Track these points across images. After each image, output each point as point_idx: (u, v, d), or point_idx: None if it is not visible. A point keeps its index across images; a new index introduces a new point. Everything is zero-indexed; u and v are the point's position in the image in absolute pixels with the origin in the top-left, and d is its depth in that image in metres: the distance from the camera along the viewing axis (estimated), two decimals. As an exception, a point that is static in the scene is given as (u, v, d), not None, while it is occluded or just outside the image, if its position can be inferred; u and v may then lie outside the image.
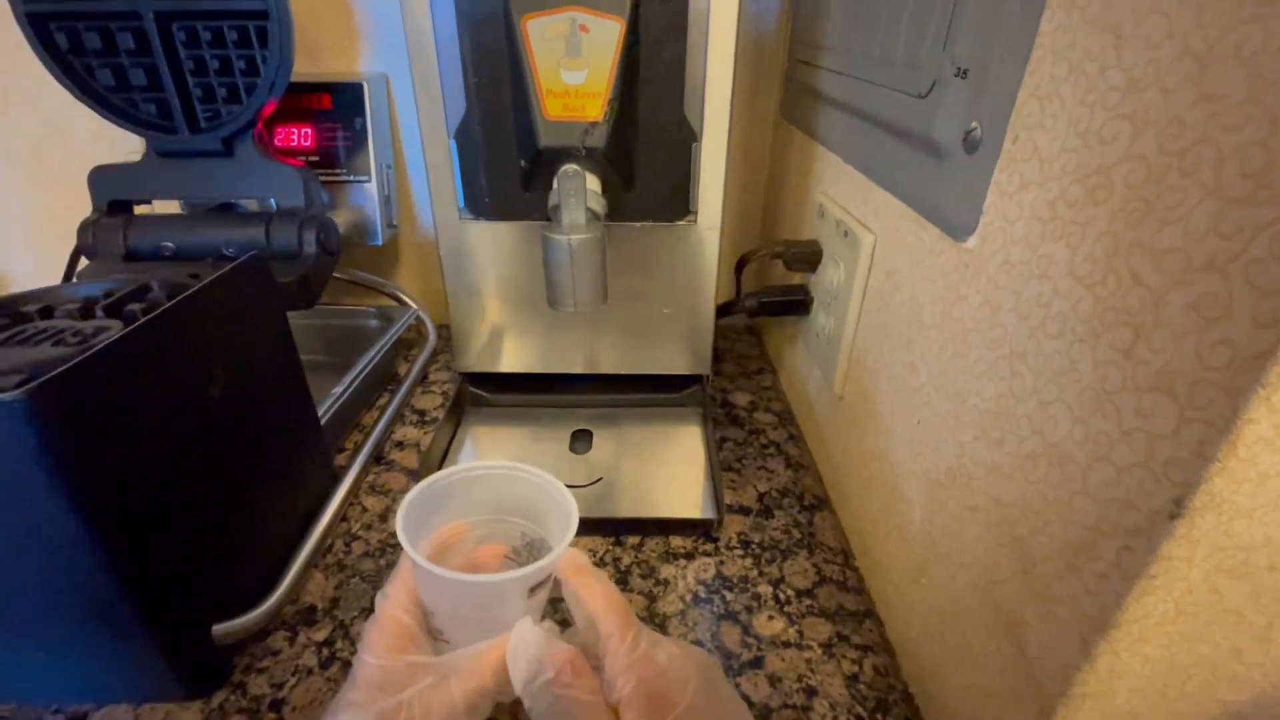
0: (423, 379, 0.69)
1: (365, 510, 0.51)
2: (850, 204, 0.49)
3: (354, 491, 0.52)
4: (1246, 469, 0.19)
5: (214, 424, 0.38)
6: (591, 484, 0.53)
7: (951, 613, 0.34)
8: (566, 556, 0.29)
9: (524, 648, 0.27)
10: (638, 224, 0.52)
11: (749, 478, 0.55)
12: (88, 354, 0.29)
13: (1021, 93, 0.28)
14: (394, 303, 0.75)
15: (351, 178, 0.68)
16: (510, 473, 0.33)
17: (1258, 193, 0.18)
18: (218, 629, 0.38)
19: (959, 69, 0.32)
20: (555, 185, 0.46)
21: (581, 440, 0.58)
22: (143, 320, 0.33)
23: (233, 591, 0.40)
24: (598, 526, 0.49)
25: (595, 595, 0.28)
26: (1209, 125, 0.19)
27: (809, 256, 0.54)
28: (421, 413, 0.64)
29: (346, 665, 0.39)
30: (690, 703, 0.25)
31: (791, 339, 0.67)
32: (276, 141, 0.66)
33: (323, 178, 0.67)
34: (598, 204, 0.47)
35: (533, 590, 0.29)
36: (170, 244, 0.57)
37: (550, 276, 0.46)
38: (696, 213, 0.52)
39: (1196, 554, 0.21)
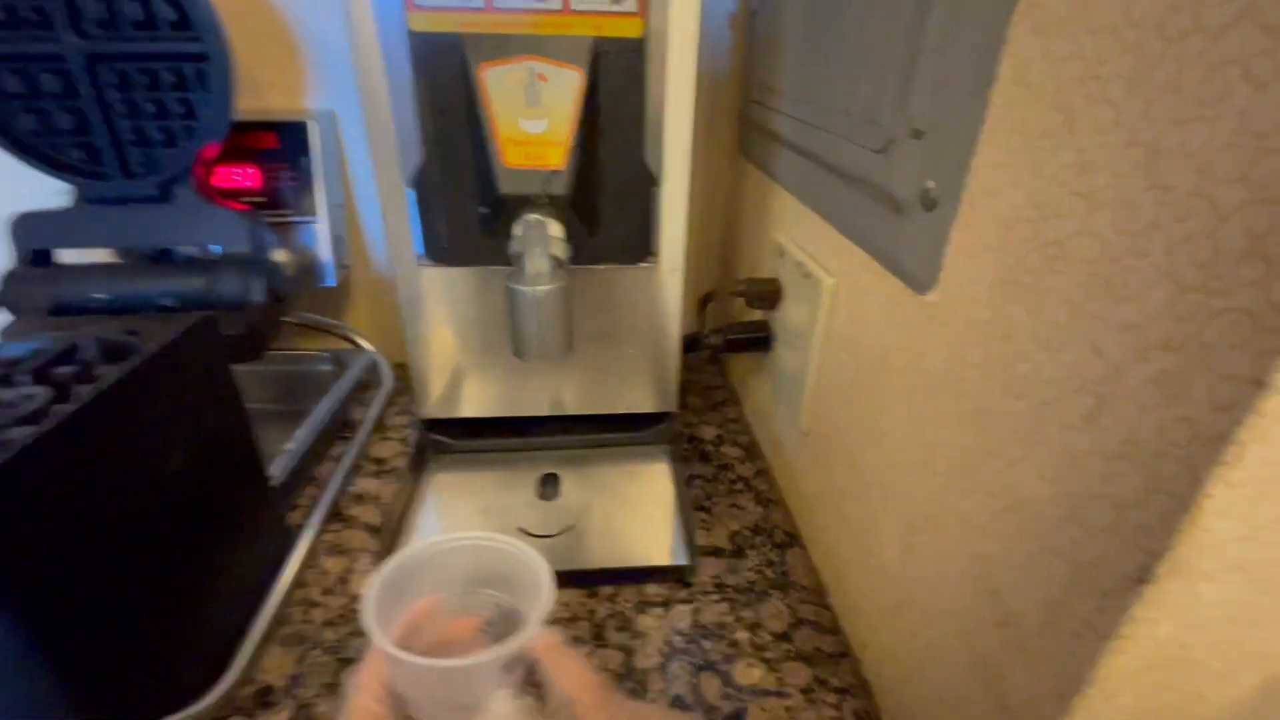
0: (379, 424, 0.67)
1: (324, 573, 0.49)
2: (810, 246, 0.50)
3: (311, 553, 0.50)
4: (1206, 538, 0.20)
5: (158, 498, 0.36)
6: (562, 533, 0.52)
7: (930, 657, 0.35)
8: (541, 637, 0.28)
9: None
10: (600, 267, 0.52)
11: (719, 515, 0.55)
12: (23, 446, 0.27)
13: (976, 160, 0.29)
14: (347, 344, 0.72)
15: (300, 218, 0.65)
16: (481, 543, 0.32)
17: (1209, 283, 0.19)
18: (166, 723, 0.35)
19: (915, 130, 0.34)
20: (517, 233, 0.46)
21: (550, 485, 0.57)
22: (86, 399, 0.31)
23: (183, 675, 0.37)
24: (570, 579, 0.48)
25: (570, 674, 0.28)
26: (1159, 212, 0.20)
27: (770, 294, 0.55)
28: (380, 461, 0.61)
29: (310, 751, 0.37)
30: None
31: (755, 370, 0.67)
32: (218, 182, 0.63)
33: (269, 219, 0.64)
34: (560, 250, 0.47)
35: (508, 667, 0.28)
36: (103, 295, 0.54)
37: (515, 327, 0.45)
38: (658, 254, 0.52)
39: (1164, 614, 0.22)
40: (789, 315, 0.54)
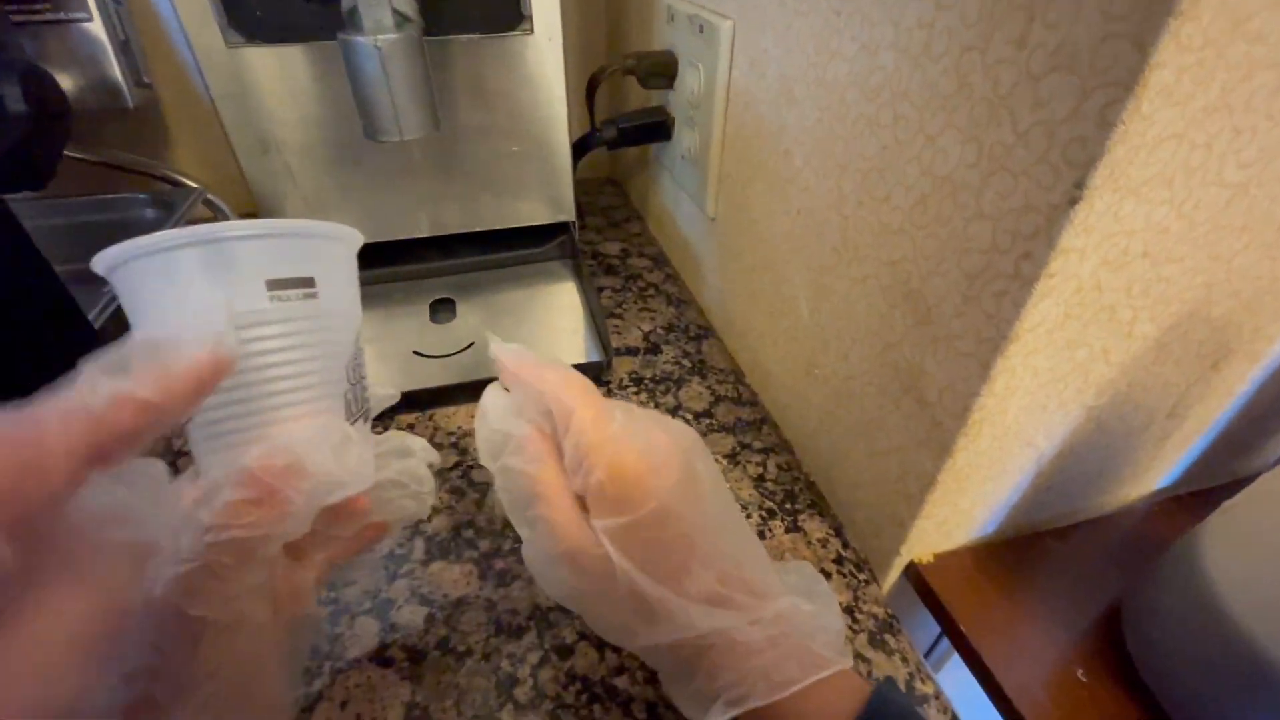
0: (234, 275, 0.57)
1: (188, 424, 0.42)
2: (702, -5, 0.44)
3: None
4: (1145, 130, 0.18)
5: None
6: (462, 351, 0.47)
7: (848, 392, 0.35)
8: (505, 353, 0.24)
9: (484, 420, 0.23)
10: (463, 37, 0.44)
11: (632, 320, 0.53)
12: None
13: None
14: (170, 187, 0.60)
15: (64, 15, 0.50)
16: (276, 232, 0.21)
17: None
18: None
19: None
20: (346, -19, 0.36)
21: (443, 310, 0.52)
22: None
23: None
24: (476, 391, 0.44)
25: (546, 378, 0.23)
26: None
27: (664, 67, 0.49)
28: (240, 311, 0.53)
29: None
30: (667, 497, 0.21)
31: (655, 180, 0.63)
32: (-76, -36, 0.47)
33: (16, 16, 0.49)
34: (405, 4, 0.38)
35: (279, 287, 0.20)
36: None
37: (362, 97, 0.37)
38: (531, 18, 0.44)
39: (1089, 244, 0.21)
40: (687, 87, 0.48)
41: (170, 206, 0.56)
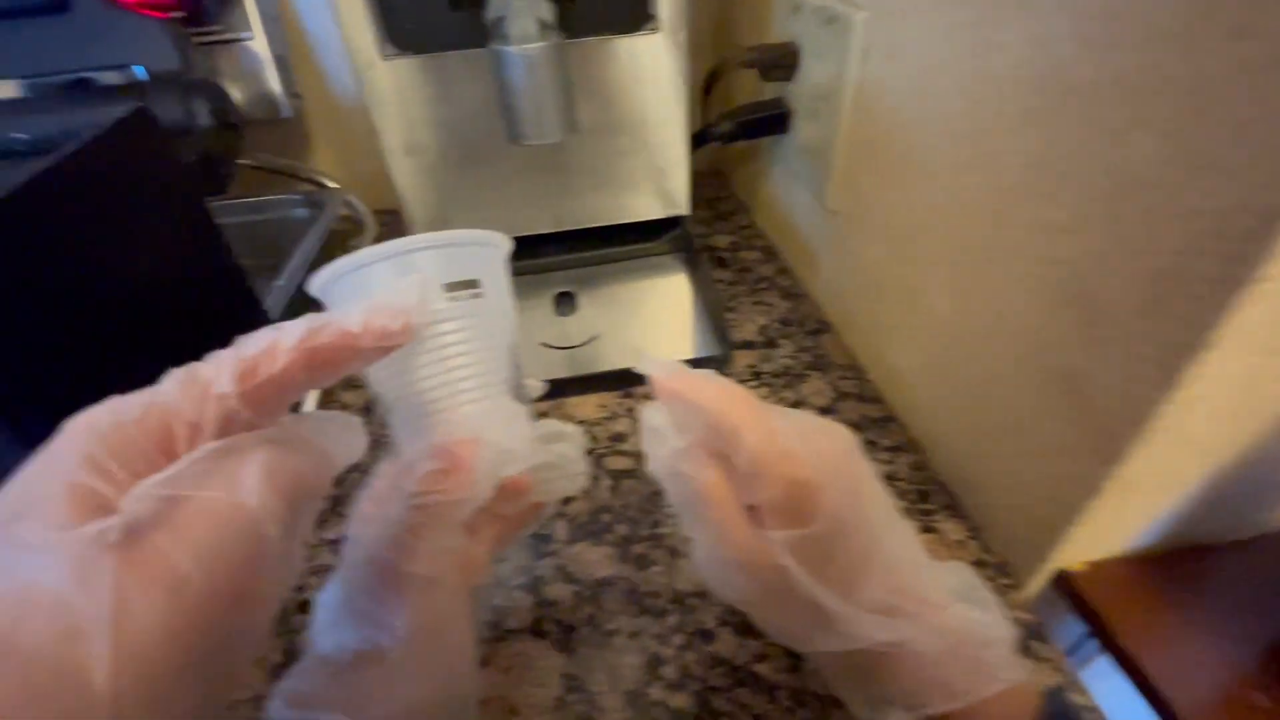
0: (371, 269, 0.62)
1: (344, 407, 0.47)
2: (832, -16, 0.44)
3: (326, 394, 0.47)
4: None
5: (133, 326, 0.31)
6: (587, 343, 0.49)
7: (992, 392, 0.34)
8: (659, 370, 0.24)
9: (653, 436, 0.24)
10: (592, 39, 0.45)
11: (746, 314, 0.53)
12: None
13: None
14: (314, 188, 0.65)
15: (230, 35, 0.56)
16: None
17: None
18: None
19: None
20: (493, -6, 0.38)
21: (565, 303, 0.54)
22: None
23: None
24: (602, 382, 0.46)
25: (705, 392, 0.23)
26: None
27: (786, 59, 0.49)
28: (379, 303, 0.57)
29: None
30: (842, 510, 0.21)
31: (764, 172, 0.62)
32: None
33: (194, 39, 0.55)
34: (547, 12, 0.40)
35: (454, 289, 0.23)
36: (23, 135, 0.46)
37: (507, 102, 0.39)
38: (657, 18, 0.45)
39: (1313, 246, 0.20)
40: (810, 78, 0.48)
41: (318, 206, 0.61)
